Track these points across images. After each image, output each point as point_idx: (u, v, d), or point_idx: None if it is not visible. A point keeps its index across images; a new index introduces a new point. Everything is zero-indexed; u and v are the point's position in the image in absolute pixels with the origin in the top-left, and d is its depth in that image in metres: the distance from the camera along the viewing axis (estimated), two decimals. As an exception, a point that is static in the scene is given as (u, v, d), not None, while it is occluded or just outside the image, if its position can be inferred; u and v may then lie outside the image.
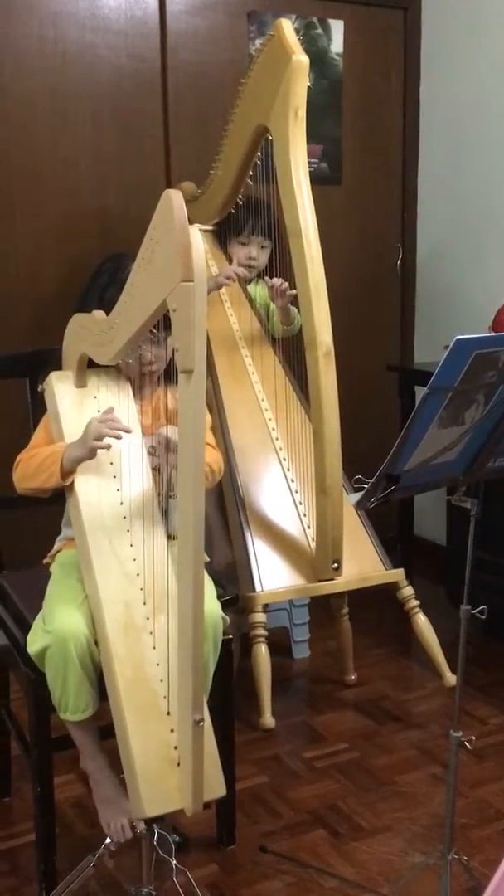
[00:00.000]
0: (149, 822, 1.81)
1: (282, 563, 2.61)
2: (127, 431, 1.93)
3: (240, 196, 2.79)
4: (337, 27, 3.57)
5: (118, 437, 1.92)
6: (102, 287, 2.09)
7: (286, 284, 2.71)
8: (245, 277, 2.95)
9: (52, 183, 3.13)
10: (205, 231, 2.96)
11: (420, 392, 1.63)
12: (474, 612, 1.86)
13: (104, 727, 1.91)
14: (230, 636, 2.04)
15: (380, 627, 3.29)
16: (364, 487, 1.67)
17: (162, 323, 1.74)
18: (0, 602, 2.24)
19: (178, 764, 1.71)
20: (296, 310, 2.77)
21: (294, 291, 2.57)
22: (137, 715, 1.74)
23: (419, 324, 3.99)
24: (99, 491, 1.98)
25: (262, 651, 2.55)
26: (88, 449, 1.93)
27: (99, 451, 1.97)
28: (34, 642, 1.90)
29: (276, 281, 2.76)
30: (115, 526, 1.94)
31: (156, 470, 2.04)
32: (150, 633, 1.83)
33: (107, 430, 1.91)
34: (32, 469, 2.02)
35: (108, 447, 1.93)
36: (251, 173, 2.69)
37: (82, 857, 1.97)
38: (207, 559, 1.82)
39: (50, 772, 1.98)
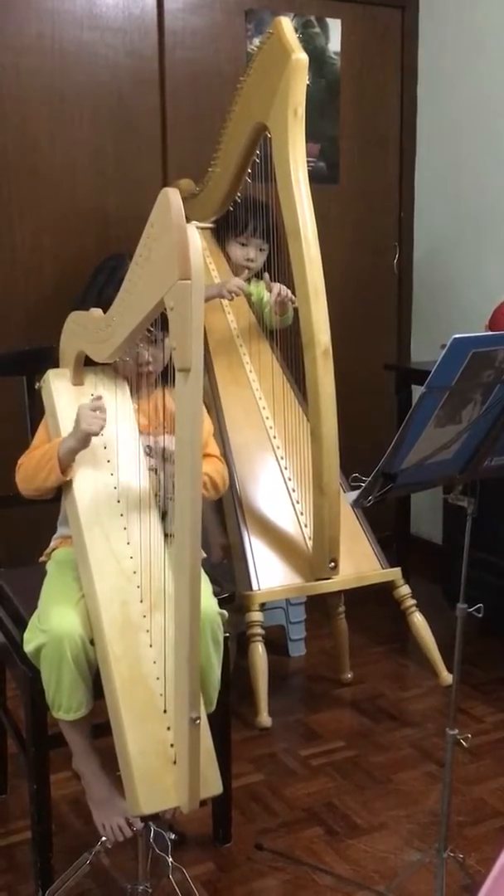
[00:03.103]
0: (145, 819, 1.81)
1: (279, 561, 2.61)
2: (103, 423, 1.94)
3: (238, 194, 2.79)
4: (335, 26, 3.57)
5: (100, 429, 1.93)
6: (101, 286, 2.09)
7: (290, 295, 2.68)
8: (246, 292, 2.94)
9: (50, 181, 3.13)
10: (202, 229, 2.96)
11: (417, 391, 1.63)
12: (471, 610, 1.86)
13: (98, 725, 1.91)
14: (227, 634, 2.04)
15: (376, 626, 3.29)
16: (361, 486, 1.67)
17: (160, 323, 1.74)
18: (-3, 600, 2.24)
19: (175, 762, 1.71)
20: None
21: (294, 299, 2.56)
22: (134, 713, 1.74)
23: (416, 323, 3.99)
24: (95, 489, 1.98)
25: (259, 649, 2.55)
26: (82, 433, 1.92)
27: (97, 449, 1.98)
28: (30, 641, 1.90)
29: (276, 291, 2.75)
30: (112, 524, 1.94)
31: (152, 470, 2.04)
32: (147, 631, 1.83)
33: (96, 418, 1.92)
34: (32, 469, 2.02)
35: (98, 433, 1.93)
36: (249, 171, 2.69)
37: (78, 855, 1.97)
38: (203, 555, 1.82)
39: (46, 769, 1.97)
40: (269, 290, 2.80)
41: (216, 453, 2.19)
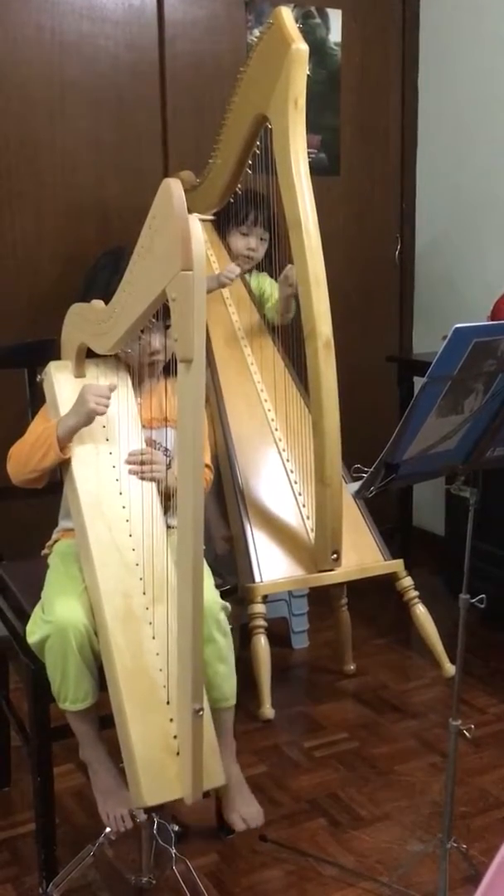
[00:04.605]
0: (148, 811, 1.82)
1: (281, 554, 2.61)
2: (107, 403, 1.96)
3: (239, 186, 2.78)
4: (335, 16, 3.56)
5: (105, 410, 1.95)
6: (106, 280, 2.09)
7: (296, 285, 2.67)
8: (243, 272, 2.93)
9: (50, 173, 3.12)
10: (203, 220, 2.94)
11: (419, 382, 1.62)
12: (473, 601, 1.86)
13: (104, 717, 1.91)
14: (230, 626, 2.04)
15: (379, 617, 3.29)
16: (363, 477, 1.67)
17: (164, 312, 1.73)
18: (-1, 592, 2.24)
19: (178, 753, 1.71)
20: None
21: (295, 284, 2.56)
22: (137, 704, 1.74)
23: (418, 314, 3.99)
24: (98, 481, 1.98)
25: (262, 642, 2.55)
26: (86, 412, 1.93)
27: (99, 441, 1.97)
28: (33, 632, 1.90)
29: (284, 275, 2.74)
30: (114, 516, 1.94)
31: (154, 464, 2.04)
32: (150, 622, 1.83)
33: (101, 396, 1.93)
34: (27, 451, 2.01)
35: (103, 413, 1.94)
36: (250, 163, 2.68)
37: (82, 847, 1.97)
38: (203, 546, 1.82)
39: (49, 762, 1.98)
40: (289, 284, 2.76)
41: (207, 460, 2.18)
